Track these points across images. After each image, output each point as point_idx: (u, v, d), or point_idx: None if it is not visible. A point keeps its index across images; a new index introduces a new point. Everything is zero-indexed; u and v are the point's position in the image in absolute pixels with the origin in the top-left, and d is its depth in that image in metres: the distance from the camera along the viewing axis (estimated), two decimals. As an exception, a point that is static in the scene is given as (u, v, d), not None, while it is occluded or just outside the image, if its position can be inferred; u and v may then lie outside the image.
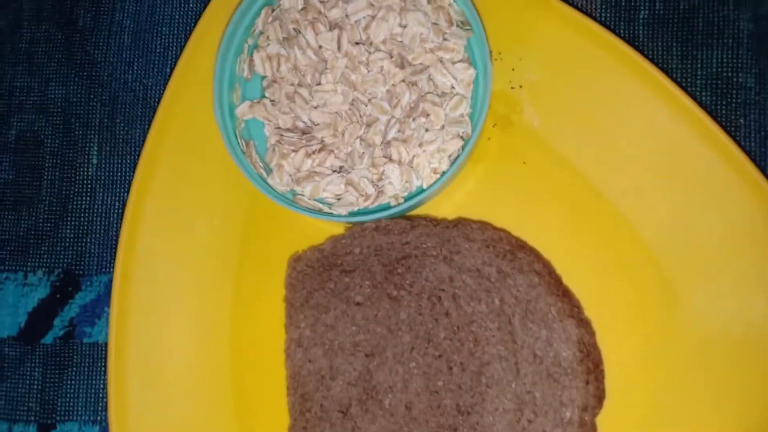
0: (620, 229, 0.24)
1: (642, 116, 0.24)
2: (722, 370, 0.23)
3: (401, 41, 0.25)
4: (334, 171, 0.25)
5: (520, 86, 0.25)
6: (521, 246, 0.24)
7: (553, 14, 0.25)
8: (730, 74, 0.25)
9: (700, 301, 0.23)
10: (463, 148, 0.24)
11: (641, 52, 0.25)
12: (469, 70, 0.24)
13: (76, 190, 0.28)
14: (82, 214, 0.28)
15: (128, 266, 0.26)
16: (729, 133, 0.24)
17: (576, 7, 0.26)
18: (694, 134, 0.24)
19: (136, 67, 0.28)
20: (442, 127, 0.24)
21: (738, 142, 0.24)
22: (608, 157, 0.25)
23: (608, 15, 0.26)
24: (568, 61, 0.25)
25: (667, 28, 0.26)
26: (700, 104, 0.24)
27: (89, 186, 0.28)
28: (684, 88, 0.25)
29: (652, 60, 0.25)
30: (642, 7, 0.26)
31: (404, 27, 0.25)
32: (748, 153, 0.24)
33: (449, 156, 0.24)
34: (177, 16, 0.28)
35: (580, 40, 0.25)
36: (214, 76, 0.25)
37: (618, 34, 0.26)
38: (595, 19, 0.26)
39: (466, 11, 0.24)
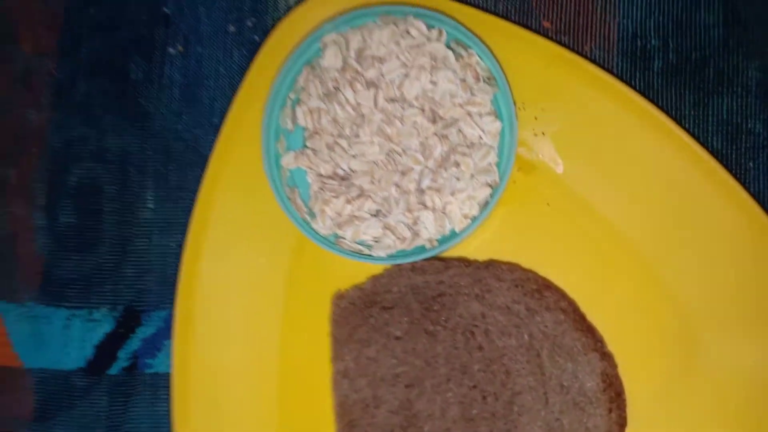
0: (641, 269, 0.27)
1: (657, 163, 0.26)
2: (738, 406, 0.25)
3: (432, 97, 0.27)
4: (372, 215, 0.27)
5: (543, 133, 0.28)
6: (548, 285, 0.26)
7: (574, 70, 0.27)
8: (739, 120, 0.27)
9: (717, 342, 0.26)
10: (491, 195, 0.26)
11: (655, 100, 0.27)
12: (495, 122, 0.26)
13: (135, 232, 0.31)
14: (141, 255, 0.30)
15: (187, 303, 0.28)
16: (738, 176, 0.26)
17: (595, 59, 0.28)
18: (705, 179, 0.26)
19: (185, 118, 0.31)
20: (472, 176, 0.26)
21: (747, 186, 0.26)
22: (627, 201, 0.27)
23: (625, 65, 0.28)
24: (588, 111, 0.27)
25: (680, 77, 0.28)
26: (711, 149, 0.26)
27: (147, 229, 0.31)
28: (695, 134, 0.27)
29: (665, 107, 0.27)
30: (656, 58, 0.28)
31: (435, 84, 0.27)
32: (756, 195, 0.26)
33: (479, 202, 0.27)
34: (222, 70, 0.31)
35: (598, 93, 0.27)
36: (262, 129, 0.27)
37: (634, 84, 0.28)
38: (612, 69, 0.28)
39: (491, 68, 0.26)
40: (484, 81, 0.27)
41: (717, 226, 0.26)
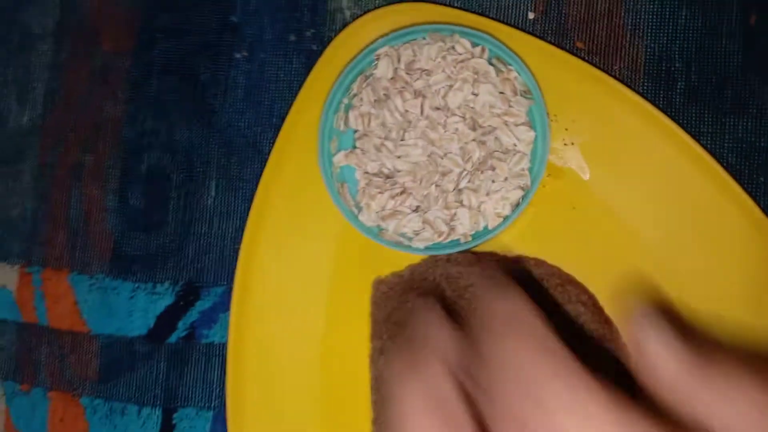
0: (655, 271, 0.29)
1: (675, 174, 0.29)
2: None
3: (473, 107, 0.30)
4: (413, 210, 0.30)
5: (572, 143, 0.30)
6: (570, 280, 0.29)
7: (603, 87, 0.30)
8: (753, 139, 0.30)
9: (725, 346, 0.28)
10: (523, 197, 0.29)
11: (677, 118, 0.30)
12: (530, 132, 0.29)
13: (197, 217, 0.34)
14: (202, 237, 0.34)
15: (244, 280, 0.31)
16: (750, 190, 0.29)
17: (623, 78, 0.30)
18: (719, 191, 0.28)
19: (247, 116, 0.34)
20: (506, 179, 0.29)
21: (758, 199, 0.28)
22: (646, 208, 0.29)
23: (650, 85, 0.31)
24: (614, 125, 0.30)
25: (700, 98, 0.30)
26: (726, 164, 0.29)
27: (208, 214, 0.34)
28: (712, 150, 0.29)
29: (685, 124, 0.30)
30: (679, 79, 0.30)
31: (476, 95, 0.30)
32: (766, 209, 0.28)
33: (511, 203, 0.29)
34: (282, 75, 0.34)
35: (624, 108, 0.29)
36: (319, 129, 0.30)
37: (657, 102, 0.30)
38: (638, 88, 0.30)
39: (528, 83, 0.29)
40: (520, 94, 0.29)
41: (727, 234, 0.28)
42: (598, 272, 0.29)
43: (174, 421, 0.33)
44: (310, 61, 0.33)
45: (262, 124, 0.34)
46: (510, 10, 0.32)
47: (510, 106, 0.29)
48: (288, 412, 0.31)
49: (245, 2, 0.34)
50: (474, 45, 0.30)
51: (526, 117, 0.30)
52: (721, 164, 0.29)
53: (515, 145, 0.29)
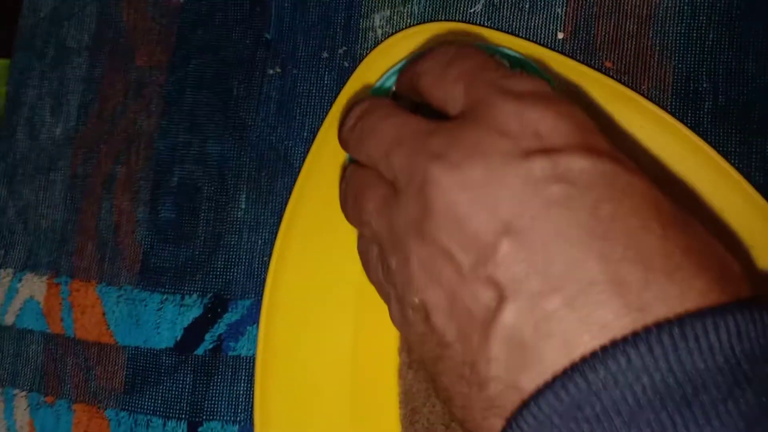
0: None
1: (704, 190, 0.29)
2: None
3: None
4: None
5: (601, 161, 0.31)
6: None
7: (634, 107, 0.30)
8: (781, 159, 0.30)
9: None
10: None
11: (704, 137, 0.30)
12: None
13: (227, 229, 0.34)
14: (231, 250, 0.34)
15: (273, 292, 0.32)
16: (779, 208, 0.29)
17: (651, 97, 0.31)
18: (749, 210, 0.29)
19: (279, 131, 0.35)
20: None
21: (787, 217, 0.29)
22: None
23: (677, 105, 0.31)
24: (644, 143, 0.30)
25: (728, 119, 0.31)
26: (754, 183, 0.29)
27: (238, 227, 0.34)
28: (739, 170, 0.30)
29: (713, 144, 0.30)
30: (707, 99, 0.31)
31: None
32: (795, 226, 0.29)
33: None
34: (314, 91, 0.35)
35: (653, 126, 0.30)
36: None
37: (685, 122, 0.31)
38: (666, 107, 0.31)
39: None
40: None
41: (757, 249, 0.29)
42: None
43: (199, 434, 0.33)
44: (341, 77, 0.34)
45: (293, 138, 0.34)
46: (539, 30, 0.33)
47: None
48: (316, 426, 0.31)
49: (279, 20, 0.35)
50: (512, 65, 0.30)
51: None
52: (749, 182, 0.29)
53: None
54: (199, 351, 0.33)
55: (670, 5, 0.32)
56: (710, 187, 0.29)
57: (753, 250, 0.29)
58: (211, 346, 0.33)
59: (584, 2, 0.33)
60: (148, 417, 0.33)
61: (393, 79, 0.31)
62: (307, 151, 0.32)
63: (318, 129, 0.32)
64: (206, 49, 0.36)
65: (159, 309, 0.34)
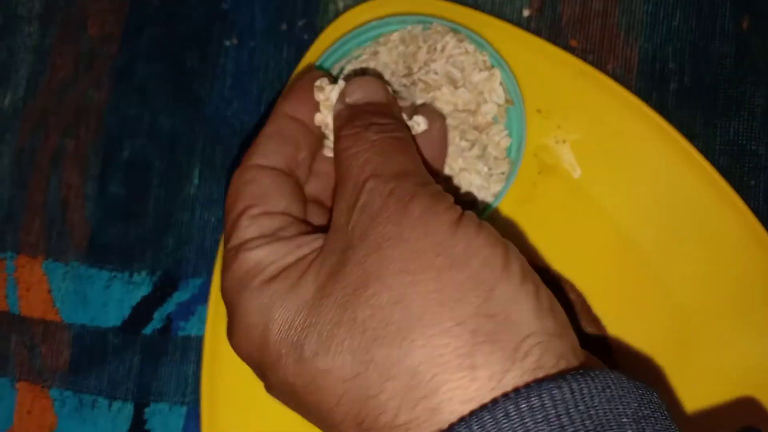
0: (644, 270, 0.29)
1: (667, 173, 0.29)
2: (729, 403, 0.27)
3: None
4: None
5: (564, 141, 0.30)
6: (560, 278, 0.28)
7: (597, 85, 0.29)
8: (744, 142, 0.29)
9: (711, 342, 0.28)
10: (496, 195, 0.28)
11: (669, 119, 0.29)
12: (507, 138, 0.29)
13: (179, 206, 0.33)
14: (183, 227, 0.33)
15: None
16: (740, 192, 0.28)
17: (616, 77, 0.30)
18: (710, 192, 0.28)
19: (234, 105, 0.33)
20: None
21: (747, 201, 0.28)
22: (637, 207, 0.29)
23: (643, 85, 0.30)
24: (606, 123, 0.29)
25: (693, 99, 0.30)
26: (717, 166, 0.29)
27: (190, 204, 0.33)
28: (703, 152, 0.29)
29: (677, 125, 0.29)
30: (672, 81, 0.30)
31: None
32: (756, 210, 0.28)
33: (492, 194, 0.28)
34: (272, 64, 0.33)
35: (617, 107, 0.29)
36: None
37: (650, 103, 0.30)
38: (631, 88, 0.30)
39: (509, 85, 0.29)
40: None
41: (718, 236, 0.28)
42: (588, 271, 0.29)
43: (146, 417, 0.32)
44: (300, 50, 0.33)
45: (249, 113, 0.33)
46: (505, 7, 0.32)
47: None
48: (264, 408, 0.30)
49: (237, -10, 0.34)
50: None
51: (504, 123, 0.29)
52: (713, 165, 0.28)
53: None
54: (148, 330, 0.32)
55: (637, -17, 0.31)
56: (673, 170, 0.29)
57: (716, 236, 0.28)
58: (159, 326, 0.32)
59: (550, -22, 0.32)
60: (94, 397, 0.32)
61: (332, 59, 0.30)
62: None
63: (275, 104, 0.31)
64: (160, 20, 0.34)
65: (107, 287, 0.33)
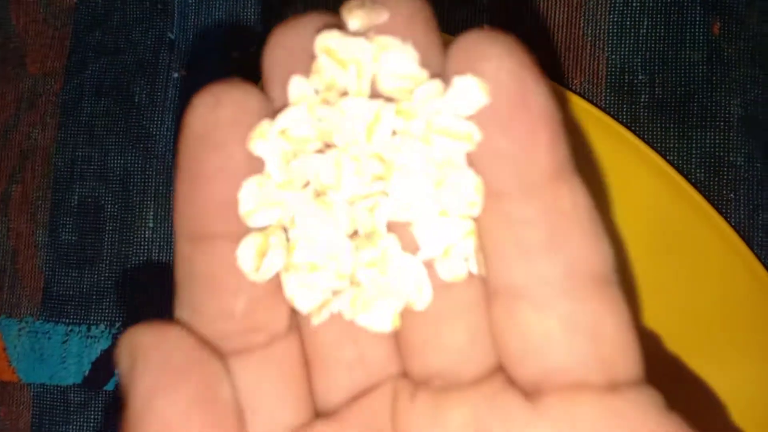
0: (626, 290, 0.27)
1: (641, 192, 0.27)
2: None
3: None
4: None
5: (534, 162, 0.29)
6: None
7: (563, 104, 0.28)
8: (721, 153, 0.28)
9: (693, 365, 0.27)
10: None
11: (641, 133, 0.28)
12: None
13: (134, 250, 0.31)
14: (140, 273, 0.31)
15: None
16: (719, 207, 0.27)
17: (584, 93, 0.29)
18: (687, 210, 0.27)
19: (187, 140, 0.32)
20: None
21: (727, 216, 0.27)
22: (610, 227, 0.28)
23: (612, 98, 0.29)
24: (575, 143, 0.28)
25: (666, 111, 0.29)
26: (694, 181, 0.27)
27: (146, 247, 0.31)
28: (679, 166, 0.28)
29: (651, 139, 0.28)
30: (643, 92, 0.29)
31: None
32: (737, 226, 0.27)
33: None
34: (224, 95, 0.32)
35: (586, 124, 0.28)
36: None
37: (621, 117, 0.29)
38: (600, 103, 0.29)
39: None
40: None
41: (695, 251, 0.27)
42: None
43: (113, 476, 0.30)
44: (254, 78, 0.31)
45: (203, 149, 0.31)
46: (464, 23, 0.30)
47: None
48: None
49: (183, 17, 0.32)
50: None
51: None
52: (689, 180, 0.27)
53: None
54: (110, 386, 0.31)
55: (601, -9, 0.29)
56: (646, 187, 0.27)
57: (691, 252, 0.27)
58: (122, 380, 0.31)
59: (511, -10, 0.30)
60: (58, 459, 0.31)
61: None
62: (218, 163, 0.30)
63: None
64: (104, 53, 0.33)
65: (64, 342, 0.31)
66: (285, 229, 0.14)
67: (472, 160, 0.12)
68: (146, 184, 0.32)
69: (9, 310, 0.32)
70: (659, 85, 0.29)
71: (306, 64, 0.13)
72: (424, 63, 0.13)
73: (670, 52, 0.29)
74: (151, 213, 0.31)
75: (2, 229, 0.32)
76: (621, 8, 0.29)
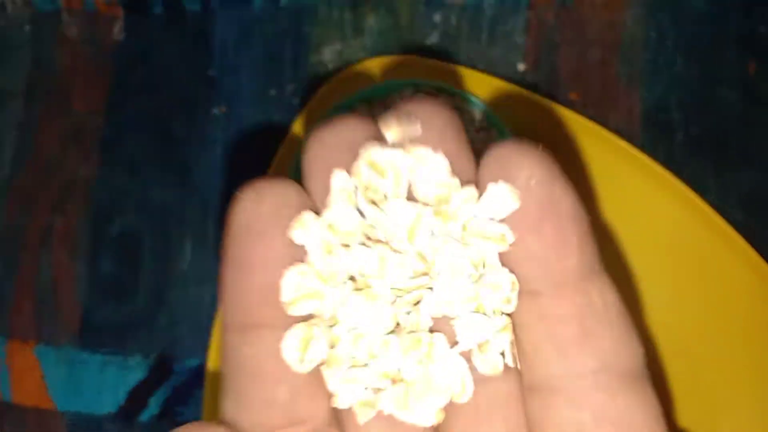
0: (659, 328, 0.27)
1: (679, 232, 0.27)
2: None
3: None
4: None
5: (568, 200, 0.29)
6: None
7: (600, 141, 0.28)
8: (760, 193, 0.28)
9: (726, 409, 0.26)
10: None
11: (677, 172, 0.28)
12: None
13: (171, 283, 0.32)
14: (176, 305, 0.32)
15: (218, 354, 0.29)
16: (759, 247, 0.27)
17: (619, 131, 0.29)
18: (724, 249, 0.27)
19: (225, 174, 0.32)
20: None
21: (766, 257, 0.27)
22: (648, 267, 0.27)
23: (648, 137, 0.29)
24: (613, 182, 0.28)
25: (702, 150, 0.29)
26: (732, 221, 0.27)
27: (183, 280, 0.32)
28: (716, 206, 0.27)
29: (687, 178, 0.28)
30: (678, 130, 0.29)
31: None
32: (777, 267, 0.27)
33: None
34: (262, 130, 0.32)
35: (623, 163, 0.28)
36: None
37: (656, 155, 0.28)
38: (635, 141, 0.29)
39: None
40: None
41: (735, 293, 0.26)
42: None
43: (146, 508, 0.30)
44: (290, 115, 0.32)
45: (240, 182, 0.32)
46: (499, 62, 0.31)
47: None
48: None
49: (223, 55, 0.33)
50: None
51: None
52: (728, 220, 0.27)
53: None
54: (144, 417, 0.31)
55: (635, 32, 0.30)
56: (685, 227, 0.27)
57: (733, 295, 0.27)
58: (156, 412, 0.31)
59: (546, 31, 0.30)
60: (91, 490, 0.31)
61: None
62: (255, 197, 0.30)
63: (266, 171, 0.30)
64: (145, 90, 0.34)
65: (101, 371, 0.32)
66: (329, 323, 0.14)
67: (507, 261, 0.13)
68: (184, 217, 0.32)
69: (48, 339, 0.33)
70: (694, 123, 0.29)
71: (344, 163, 0.14)
72: (456, 170, 0.14)
73: (705, 91, 0.29)
74: (189, 246, 0.32)
75: (44, 260, 0.33)
76: (655, 47, 0.29)
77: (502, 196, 0.13)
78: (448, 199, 0.14)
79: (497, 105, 0.28)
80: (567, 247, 0.13)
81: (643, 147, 0.29)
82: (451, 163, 0.13)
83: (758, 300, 0.26)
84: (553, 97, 0.30)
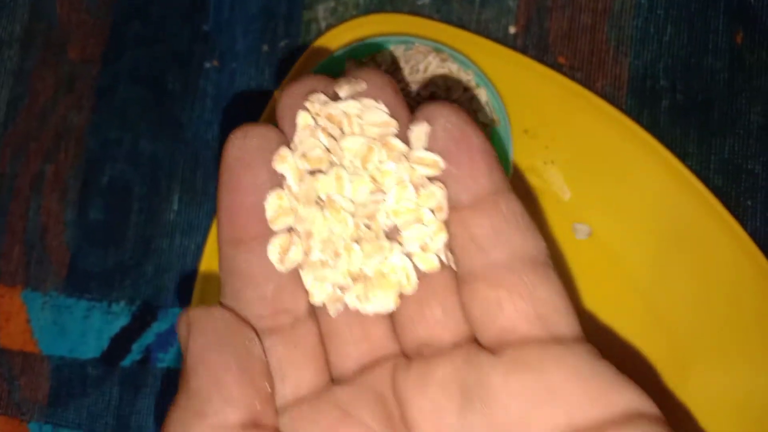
0: (638, 293, 0.27)
1: (658, 195, 0.28)
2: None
3: None
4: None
5: (552, 162, 0.29)
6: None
7: (586, 104, 0.28)
8: (740, 161, 0.28)
9: (707, 370, 0.26)
10: None
11: (661, 138, 0.28)
12: None
13: (158, 232, 0.32)
14: (162, 254, 0.32)
15: (202, 300, 0.30)
16: (737, 214, 0.27)
17: (606, 96, 0.29)
18: (704, 214, 0.27)
19: (215, 128, 0.33)
20: None
21: (744, 223, 0.27)
22: (629, 230, 0.28)
23: (634, 103, 0.29)
24: (596, 143, 0.28)
25: (686, 117, 0.29)
26: (712, 186, 0.27)
27: (170, 230, 0.32)
28: (697, 172, 0.28)
29: (670, 144, 0.28)
30: (664, 97, 0.29)
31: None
32: (753, 233, 0.27)
33: None
34: (253, 85, 0.33)
35: (606, 126, 0.28)
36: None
37: (641, 121, 0.29)
38: (622, 106, 0.29)
39: (495, 105, 0.28)
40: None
41: (712, 258, 0.27)
42: (577, 292, 0.28)
43: (125, 451, 0.31)
44: (282, 71, 0.32)
45: (230, 137, 0.32)
46: (490, 24, 0.31)
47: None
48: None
49: (218, 11, 0.33)
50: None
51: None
52: (707, 186, 0.27)
53: None
54: (127, 362, 0.31)
55: (625, -2, 0.30)
56: (665, 191, 0.28)
57: (711, 259, 0.27)
58: (138, 357, 0.31)
59: (537, -6, 0.31)
60: (72, 431, 0.31)
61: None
62: (244, 150, 0.30)
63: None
64: (141, 42, 0.34)
65: (85, 317, 0.32)
66: (304, 234, 0.18)
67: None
68: (174, 169, 0.33)
69: (35, 284, 0.33)
70: (680, 91, 0.29)
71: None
72: (393, 116, 0.18)
73: (692, 59, 0.29)
74: (177, 197, 0.32)
75: (34, 206, 0.34)
76: (645, 14, 0.30)
77: (421, 131, 0.17)
78: (390, 134, 0.17)
79: (487, 66, 0.29)
80: (478, 171, 0.17)
81: (629, 112, 0.29)
82: (390, 111, 0.17)
83: (734, 264, 0.27)
84: (543, 60, 0.30)
